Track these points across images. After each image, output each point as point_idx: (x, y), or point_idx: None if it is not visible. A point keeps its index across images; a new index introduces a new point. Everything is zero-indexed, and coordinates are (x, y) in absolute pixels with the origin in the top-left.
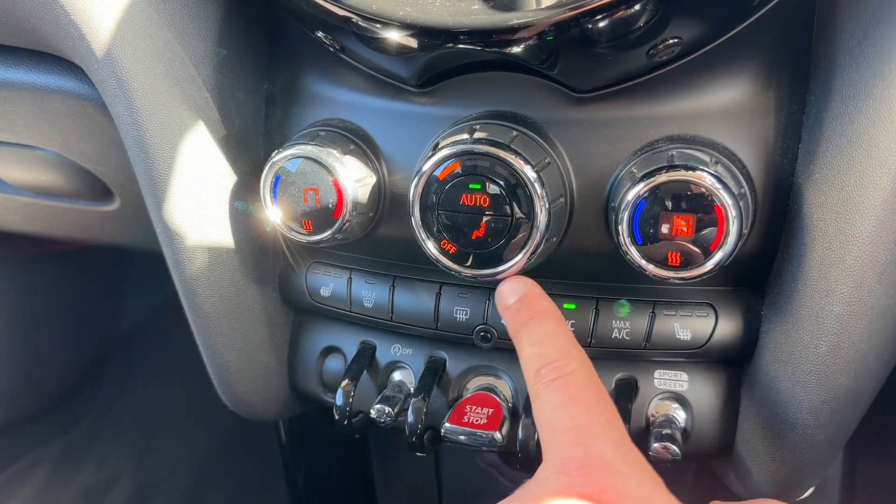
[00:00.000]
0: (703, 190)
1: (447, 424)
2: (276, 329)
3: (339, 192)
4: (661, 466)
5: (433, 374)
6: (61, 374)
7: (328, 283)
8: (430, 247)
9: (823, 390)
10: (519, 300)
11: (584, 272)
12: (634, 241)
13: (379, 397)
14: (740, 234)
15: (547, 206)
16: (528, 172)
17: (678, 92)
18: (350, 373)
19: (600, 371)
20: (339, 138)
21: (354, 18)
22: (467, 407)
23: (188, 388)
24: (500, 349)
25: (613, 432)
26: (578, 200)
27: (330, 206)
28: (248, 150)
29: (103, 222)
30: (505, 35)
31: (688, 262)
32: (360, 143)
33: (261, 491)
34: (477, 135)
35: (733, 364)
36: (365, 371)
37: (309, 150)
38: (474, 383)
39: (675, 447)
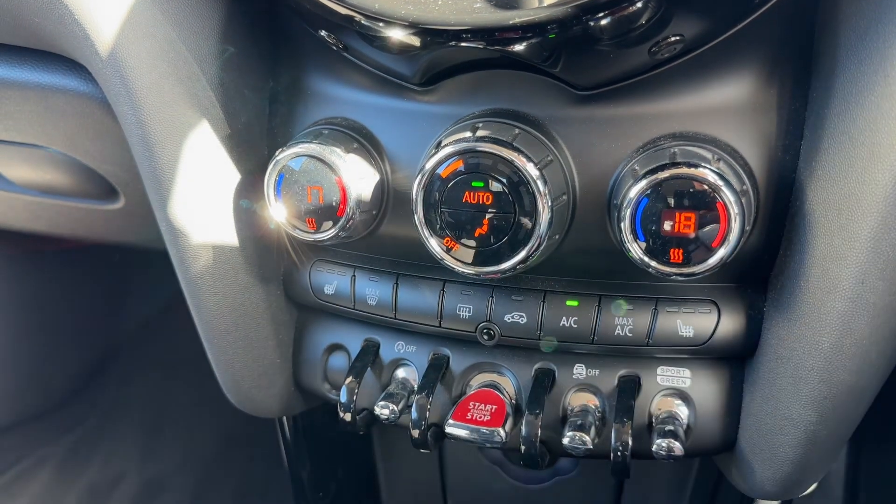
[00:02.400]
0: (706, 187)
1: (451, 421)
2: (281, 327)
3: (343, 190)
4: (664, 462)
5: (437, 371)
6: (67, 373)
7: (332, 281)
8: (434, 244)
9: (826, 386)
10: None
11: (586, 269)
12: (637, 238)
13: (383, 394)
14: (742, 231)
15: (549, 204)
16: (531, 170)
17: (680, 89)
18: (354, 370)
19: (603, 368)
20: (342, 136)
21: (357, 17)
22: (471, 404)
23: (193, 386)
24: (503, 346)
25: None
26: (581, 198)
27: (333, 203)
28: (252, 148)
29: (108, 221)
30: (507, 33)
31: (690, 258)
32: (363, 141)
33: (265, 488)
34: (479, 133)
35: (736, 360)
36: (369, 368)
37: (312, 148)
38: (478, 380)
39: (677, 443)
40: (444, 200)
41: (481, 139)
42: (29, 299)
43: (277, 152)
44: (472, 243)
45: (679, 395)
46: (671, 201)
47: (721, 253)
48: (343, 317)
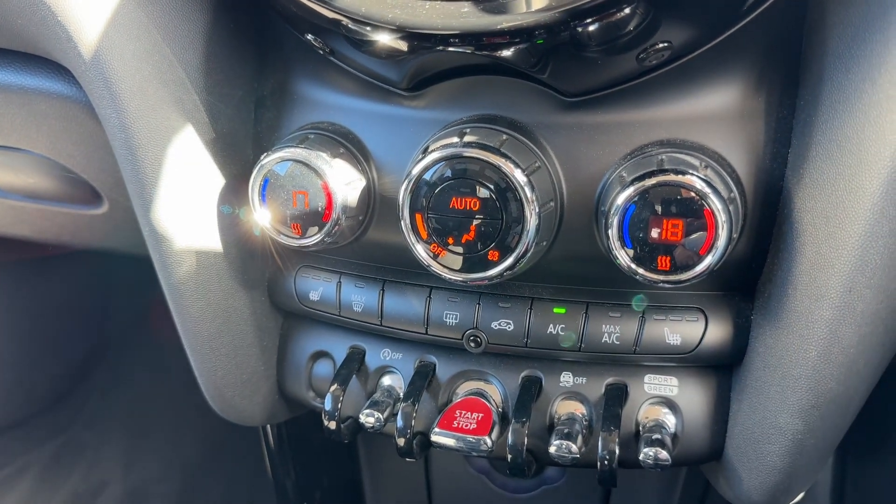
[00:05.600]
0: (693, 194)
1: (436, 429)
2: (265, 333)
3: (329, 196)
4: (651, 471)
5: (423, 379)
6: (51, 379)
7: (317, 287)
8: (420, 250)
9: (813, 395)
10: None
11: (574, 276)
12: (624, 245)
13: (368, 402)
14: (730, 239)
15: (537, 210)
16: (518, 176)
17: (668, 96)
18: (339, 377)
19: (590, 376)
20: (328, 141)
21: (344, 21)
22: (457, 412)
23: (177, 393)
24: (490, 353)
25: None
26: (568, 204)
27: (319, 209)
28: (237, 152)
29: (92, 226)
30: (495, 38)
31: (677, 266)
32: (349, 146)
33: (250, 496)
34: (467, 138)
35: (723, 369)
36: (354, 376)
37: (298, 152)
38: (464, 388)
39: (664, 452)
40: (430, 206)
41: (468, 145)
42: (13, 305)
43: (262, 156)
44: (459, 249)
45: (666, 403)
46: (658, 208)
47: (708, 260)
48: (328, 323)
